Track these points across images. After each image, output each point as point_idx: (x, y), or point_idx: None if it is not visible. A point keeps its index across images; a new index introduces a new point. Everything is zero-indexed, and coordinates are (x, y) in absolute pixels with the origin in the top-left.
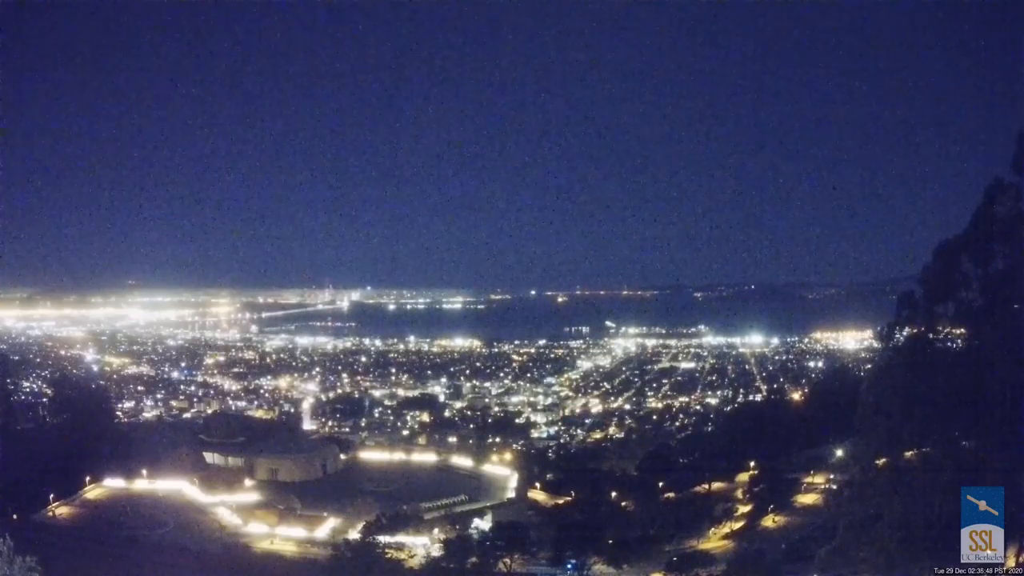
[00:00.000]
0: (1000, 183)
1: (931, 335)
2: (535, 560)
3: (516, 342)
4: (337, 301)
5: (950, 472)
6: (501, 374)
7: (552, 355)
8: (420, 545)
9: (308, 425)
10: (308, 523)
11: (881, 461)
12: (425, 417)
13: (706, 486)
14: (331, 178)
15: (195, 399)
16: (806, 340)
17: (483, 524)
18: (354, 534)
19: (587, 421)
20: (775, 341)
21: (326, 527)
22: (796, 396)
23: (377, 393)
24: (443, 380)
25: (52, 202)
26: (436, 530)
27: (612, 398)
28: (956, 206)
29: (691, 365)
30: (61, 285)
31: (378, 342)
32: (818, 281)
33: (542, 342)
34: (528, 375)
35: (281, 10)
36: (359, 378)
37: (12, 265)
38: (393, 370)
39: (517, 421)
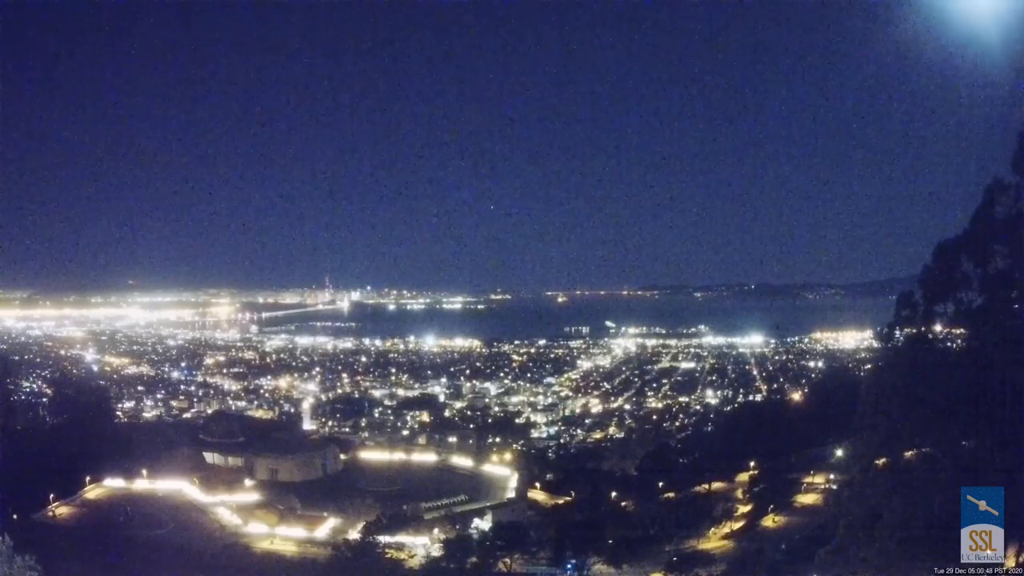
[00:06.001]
0: (1000, 183)
1: (931, 335)
2: (535, 560)
3: (516, 342)
4: (337, 301)
5: (950, 472)
6: (501, 374)
7: (552, 355)
8: (420, 545)
9: (308, 425)
10: (308, 523)
11: (881, 461)
12: (425, 417)
13: (706, 486)
14: (331, 178)
15: (195, 399)
16: (806, 340)
17: (483, 524)
18: (354, 534)
19: (587, 421)
20: (775, 341)
21: (326, 527)
22: (796, 396)
23: (377, 393)
24: (443, 380)
25: (52, 202)
26: (436, 530)
27: (612, 398)
28: (956, 206)
29: (691, 365)
30: (61, 285)
31: (378, 342)
32: (818, 281)
33: (542, 342)
34: (528, 375)
35: (282, 10)
36: (359, 378)
37: (12, 265)
38: (393, 370)
39: (517, 421)
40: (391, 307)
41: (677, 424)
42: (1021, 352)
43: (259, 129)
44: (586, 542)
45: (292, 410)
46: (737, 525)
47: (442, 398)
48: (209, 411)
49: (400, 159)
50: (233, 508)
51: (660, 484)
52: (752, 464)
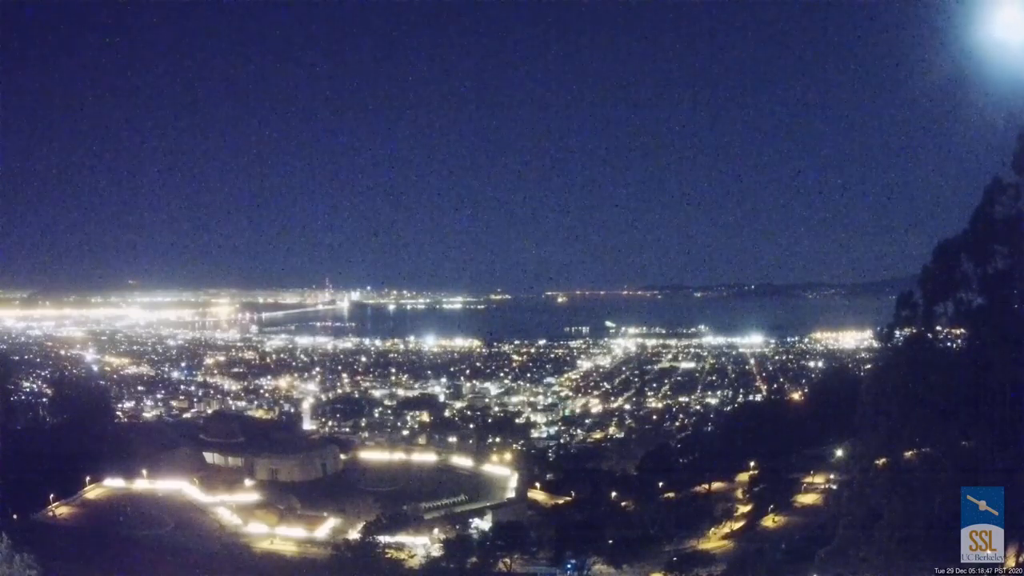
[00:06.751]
0: (1000, 183)
1: (931, 335)
2: (535, 560)
3: (516, 342)
4: (337, 301)
5: (950, 472)
6: (501, 374)
7: (552, 355)
8: (420, 545)
9: (308, 425)
10: (308, 523)
11: (881, 461)
12: (425, 417)
13: (706, 486)
14: (331, 178)
15: (195, 399)
16: (806, 340)
17: (483, 524)
18: (354, 534)
19: (587, 421)
20: (775, 341)
21: (326, 527)
22: (796, 396)
23: (377, 393)
24: (443, 380)
25: (52, 202)
26: (436, 530)
27: (612, 398)
28: (956, 206)
29: (691, 365)
30: (61, 285)
31: (378, 342)
32: (818, 281)
33: (542, 342)
34: (528, 375)
35: (282, 10)
36: (359, 378)
37: (12, 265)
38: (393, 370)
39: (517, 421)
40: (391, 307)
41: (677, 424)
42: (1021, 352)
43: (259, 129)
44: (586, 542)
45: (292, 410)
46: (737, 525)
47: (442, 398)
48: (209, 411)
49: (400, 159)
50: (233, 508)
51: (660, 484)
52: (752, 464)
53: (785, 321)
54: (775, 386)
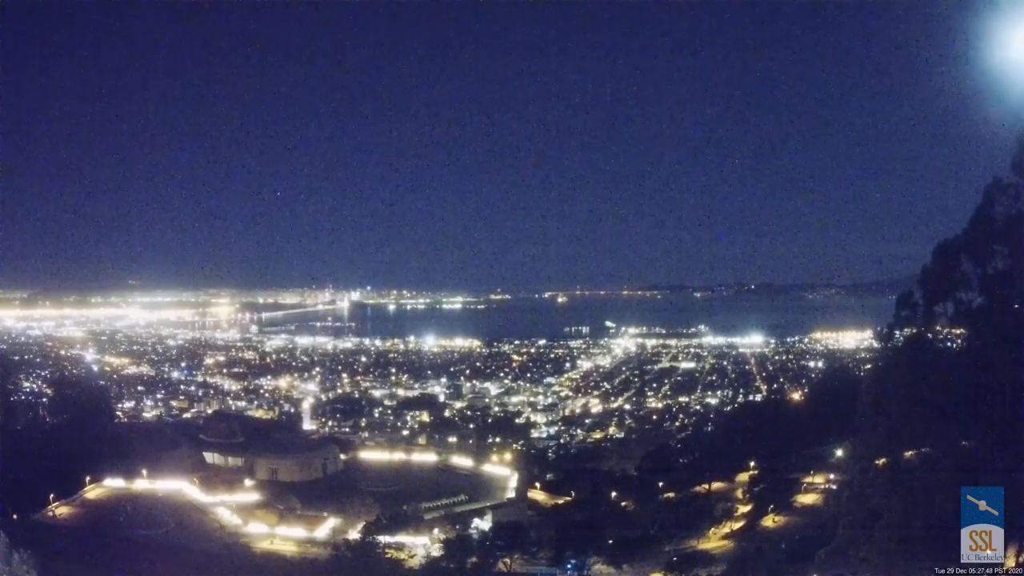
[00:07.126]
0: (1000, 183)
1: (930, 335)
2: (535, 560)
3: (516, 342)
4: (337, 301)
5: (950, 472)
6: (501, 374)
7: (552, 355)
8: (420, 545)
9: (308, 425)
10: (308, 523)
11: (881, 461)
12: (425, 417)
13: (706, 486)
14: (331, 178)
15: (195, 399)
16: (806, 340)
17: (483, 524)
18: (354, 534)
19: (587, 421)
20: (775, 341)
21: (326, 527)
22: (796, 396)
23: (377, 393)
24: (443, 380)
25: (52, 202)
26: (436, 530)
27: (612, 398)
28: (956, 206)
29: (691, 365)
30: (61, 285)
31: (378, 342)
32: (818, 281)
33: (542, 342)
34: (528, 375)
35: (281, 9)
36: (359, 378)
37: (12, 265)
38: (393, 370)
39: (517, 421)
40: (391, 307)
41: (677, 424)
42: (1021, 352)
43: (259, 129)
44: (586, 542)
45: (292, 410)
46: (737, 525)
47: (442, 398)
48: (209, 411)
49: (400, 159)
50: (233, 508)
51: (660, 484)
52: (752, 464)
53: (785, 321)
54: (775, 386)
